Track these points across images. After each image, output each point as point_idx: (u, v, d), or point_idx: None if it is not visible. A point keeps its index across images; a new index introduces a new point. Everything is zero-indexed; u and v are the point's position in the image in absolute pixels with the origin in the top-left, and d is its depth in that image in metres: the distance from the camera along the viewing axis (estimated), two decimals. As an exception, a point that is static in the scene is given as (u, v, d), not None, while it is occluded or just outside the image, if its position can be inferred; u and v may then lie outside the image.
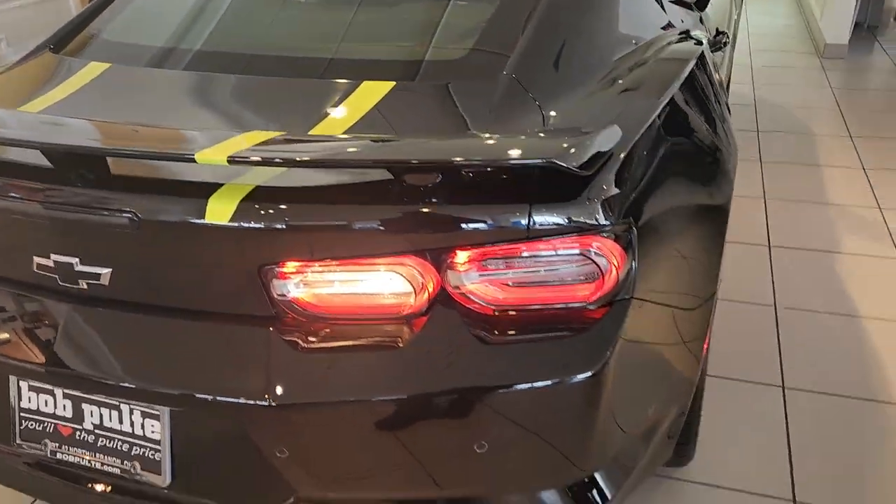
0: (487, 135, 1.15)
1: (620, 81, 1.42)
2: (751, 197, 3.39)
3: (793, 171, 3.63)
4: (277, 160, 1.02)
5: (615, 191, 1.12)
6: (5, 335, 1.24)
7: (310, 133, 1.20)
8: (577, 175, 1.07)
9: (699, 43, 1.82)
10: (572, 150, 1.07)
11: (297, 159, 1.03)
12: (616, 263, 1.11)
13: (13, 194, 1.17)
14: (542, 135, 1.17)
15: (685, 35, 1.87)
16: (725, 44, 2.31)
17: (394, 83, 1.32)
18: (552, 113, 1.25)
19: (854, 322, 2.48)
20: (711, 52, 2.06)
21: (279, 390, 1.09)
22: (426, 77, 1.35)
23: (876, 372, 2.24)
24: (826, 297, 2.62)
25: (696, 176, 1.43)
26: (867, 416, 2.07)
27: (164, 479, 1.21)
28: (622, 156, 1.17)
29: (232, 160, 1.00)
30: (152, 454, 1.21)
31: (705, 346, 1.50)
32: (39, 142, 1.10)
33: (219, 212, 1.05)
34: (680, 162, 1.37)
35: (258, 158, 1.01)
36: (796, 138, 4.03)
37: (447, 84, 1.31)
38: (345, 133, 1.19)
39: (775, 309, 2.57)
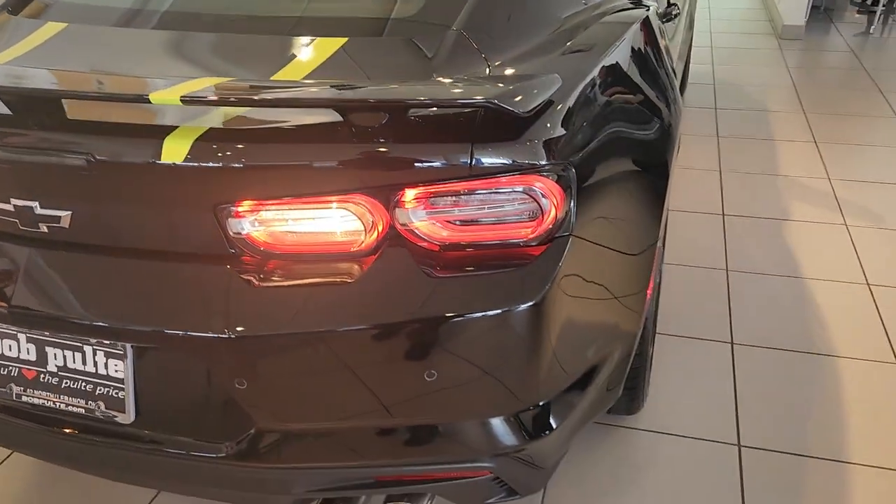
0: (433, 79, 1.21)
1: (566, 37, 1.48)
2: (707, 170, 3.49)
3: (748, 146, 3.74)
4: (229, 99, 1.07)
5: (555, 133, 1.18)
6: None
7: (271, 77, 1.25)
8: (518, 117, 1.14)
9: (647, 9, 1.89)
10: (513, 93, 1.14)
11: (249, 98, 1.08)
12: (556, 202, 1.17)
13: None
14: (484, 80, 1.23)
15: (635, 1, 1.94)
16: (676, 15, 2.38)
17: (346, 38, 1.38)
18: (497, 64, 1.31)
19: (800, 283, 2.59)
20: (662, 21, 2.14)
21: (237, 324, 1.14)
22: (377, 32, 1.41)
23: (818, 328, 2.35)
24: (775, 260, 2.73)
25: (637, 130, 1.50)
26: (809, 368, 2.18)
27: (128, 417, 1.26)
28: (563, 102, 1.23)
29: (185, 99, 1.05)
30: (116, 393, 1.25)
31: (648, 294, 1.57)
32: (4, 86, 1.14)
33: (174, 151, 1.10)
34: (620, 115, 1.44)
35: (210, 98, 1.05)
36: (752, 115, 4.14)
37: (398, 39, 1.37)
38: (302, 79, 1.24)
39: (727, 272, 2.67)
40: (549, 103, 1.20)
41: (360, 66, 1.30)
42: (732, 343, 2.30)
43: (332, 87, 1.12)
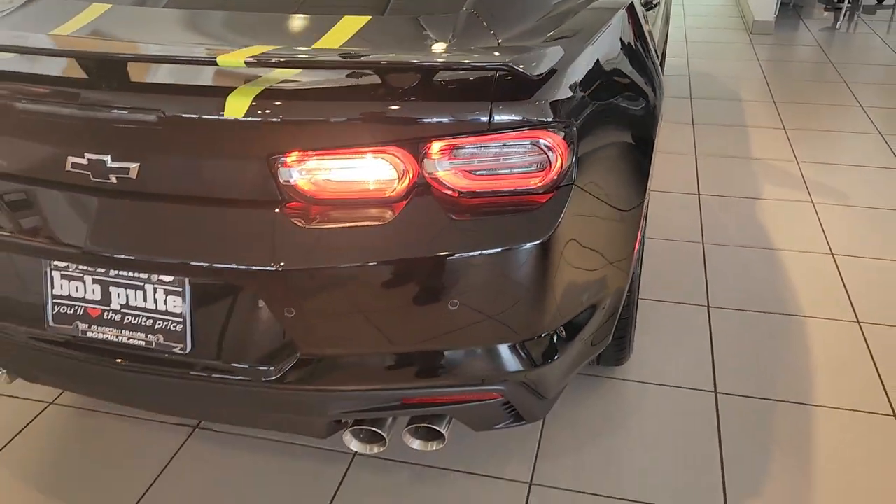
0: (457, 48, 1.39)
1: (559, 20, 1.67)
2: (684, 154, 3.71)
3: (722, 132, 3.97)
4: (286, 61, 1.24)
5: (561, 96, 1.37)
6: (40, 229, 1.43)
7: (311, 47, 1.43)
8: (530, 79, 1.33)
9: (631, -4, 2.09)
10: (526, 59, 1.33)
11: (301, 61, 1.25)
12: (561, 155, 1.36)
13: (52, 100, 1.36)
14: (498, 49, 1.41)
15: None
16: (656, 4, 2.59)
17: (370, 17, 1.56)
18: (504, 39, 1.50)
19: (770, 254, 2.81)
20: (645, 9, 2.34)
21: (284, 259, 1.31)
22: (397, 11, 1.59)
23: (787, 292, 2.57)
24: (747, 234, 2.95)
25: (627, 101, 1.69)
26: (778, 326, 2.40)
27: (185, 348, 1.42)
28: (566, 70, 1.43)
29: (248, 62, 1.22)
30: (175, 326, 1.42)
31: (635, 249, 1.77)
32: (85, 51, 1.30)
33: (235, 108, 1.27)
34: (612, 87, 1.63)
35: (272, 60, 1.22)
36: (725, 104, 4.38)
37: (417, 17, 1.55)
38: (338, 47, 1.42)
39: (703, 245, 2.89)
40: (554, 70, 1.39)
41: (386, 39, 1.48)
42: (709, 306, 2.51)
43: (370, 53, 1.30)
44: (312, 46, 1.43)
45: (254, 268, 1.32)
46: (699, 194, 3.29)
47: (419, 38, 1.47)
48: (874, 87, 4.63)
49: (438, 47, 1.43)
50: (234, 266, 1.33)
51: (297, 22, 1.55)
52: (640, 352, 2.29)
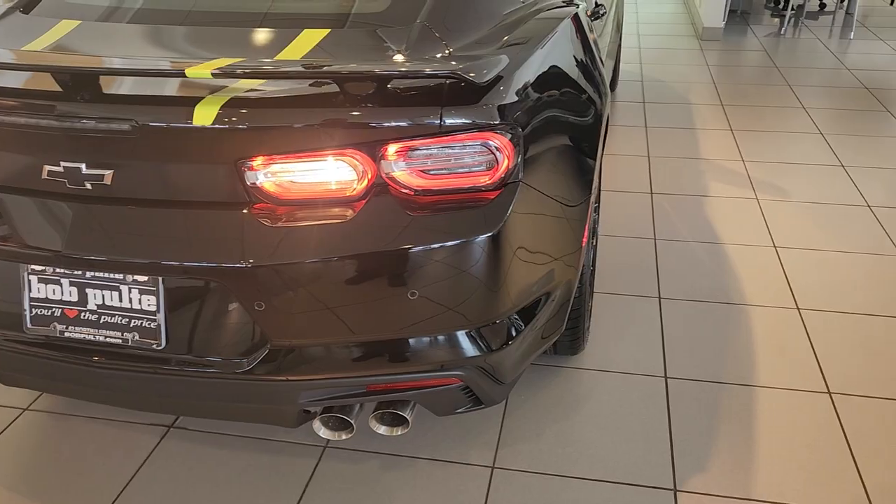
0: (410, 58, 1.51)
1: (508, 30, 1.80)
2: (636, 156, 3.87)
3: (673, 134, 4.14)
4: (251, 72, 1.34)
5: (507, 100, 1.49)
6: (18, 235, 1.50)
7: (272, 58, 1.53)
8: (477, 85, 1.44)
9: (577, 7, 2.23)
10: (472, 67, 1.45)
11: (265, 70, 1.35)
12: (507, 154, 1.48)
13: (28, 113, 1.44)
14: (448, 59, 1.53)
15: (566, 1, 2.28)
16: (603, 14, 2.74)
17: (329, 29, 1.66)
18: (454, 49, 1.62)
19: (717, 248, 2.97)
20: (591, 19, 2.48)
21: (253, 256, 1.41)
22: (355, 25, 1.69)
23: (732, 283, 2.72)
24: (696, 230, 3.11)
25: (571, 103, 1.82)
26: (724, 315, 2.54)
27: (160, 344, 1.51)
28: (512, 76, 1.54)
29: (215, 73, 1.32)
30: (149, 323, 1.50)
31: (584, 242, 1.90)
32: (59, 65, 1.38)
33: (203, 116, 1.37)
34: (556, 90, 1.76)
35: (237, 71, 1.32)
36: (677, 107, 4.56)
37: (373, 29, 1.66)
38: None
39: (655, 241, 3.03)
40: (500, 76, 1.51)
41: (344, 50, 1.58)
42: (660, 298, 2.65)
43: (329, 63, 1.40)
44: (275, 58, 1.53)
45: (224, 265, 1.41)
46: (652, 193, 3.45)
47: (375, 49, 1.58)
48: (816, 90, 4.85)
49: (393, 57, 1.54)
50: (205, 264, 1.42)
51: (260, 35, 1.65)
52: (596, 342, 2.42)
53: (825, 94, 4.76)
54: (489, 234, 1.45)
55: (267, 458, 1.99)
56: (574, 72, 1.92)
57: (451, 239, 1.43)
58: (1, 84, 1.51)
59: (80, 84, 1.44)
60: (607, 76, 3.61)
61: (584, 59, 2.05)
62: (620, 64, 5.32)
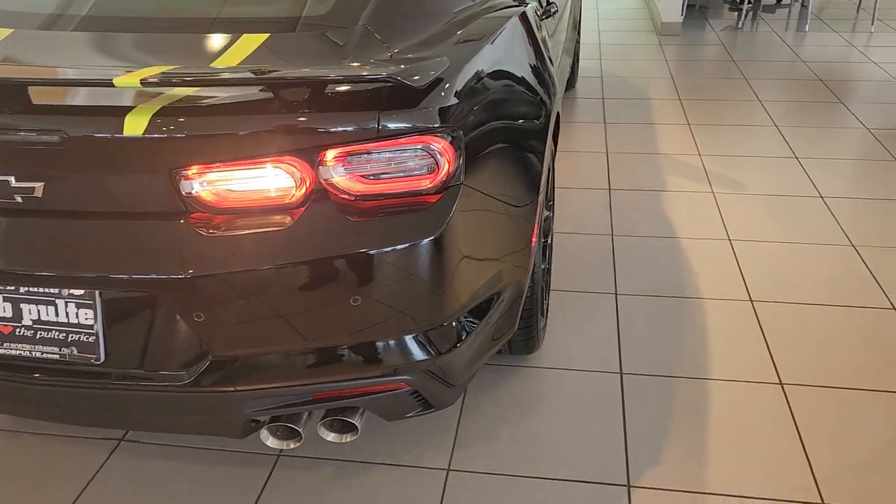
0: (346, 62, 1.49)
1: (455, 28, 1.79)
2: (595, 152, 3.89)
3: (631, 130, 4.17)
4: (181, 81, 1.32)
5: (447, 103, 1.48)
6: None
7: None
8: (415, 89, 1.43)
9: (525, 6, 2.23)
10: (410, 71, 1.43)
11: (196, 80, 1.33)
12: (448, 158, 1.47)
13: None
14: (388, 62, 1.51)
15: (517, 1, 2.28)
16: (554, 13, 2.74)
17: (268, 34, 1.64)
18: (397, 51, 1.60)
19: (674, 242, 2.99)
20: (541, 18, 2.48)
21: (191, 266, 1.38)
22: (296, 29, 1.67)
23: (688, 277, 2.75)
24: (653, 225, 3.13)
25: (516, 103, 1.82)
26: (679, 309, 2.56)
27: (99, 358, 1.48)
28: (452, 78, 1.53)
29: (144, 83, 1.29)
30: (87, 338, 1.47)
31: (532, 241, 1.90)
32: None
33: (134, 126, 1.34)
34: (501, 90, 1.75)
35: (165, 80, 1.30)
36: (635, 103, 4.59)
37: (313, 33, 1.64)
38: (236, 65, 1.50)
39: (612, 237, 3.05)
40: (440, 79, 1.50)
41: (283, 55, 1.56)
42: (616, 293, 2.67)
43: (264, 69, 1.38)
44: (211, 65, 1.51)
45: (162, 276, 1.39)
46: (609, 189, 3.46)
47: (315, 53, 1.56)
48: (772, 83, 4.92)
49: (331, 62, 1.52)
50: (142, 276, 1.39)
51: (197, 41, 1.62)
52: (551, 339, 2.43)
53: (781, 87, 4.82)
54: (431, 238, 1.44)
55: (220, 468, 1.97)
56: (520, 71, 1.91)
57: (394, 243, 1.42)
58: None
59: (8, 95, 1.41)
60: (565, 73, 3.63)
61: (531, 58, 2.05)
62: (580, 61, 5.35)
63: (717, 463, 1.94)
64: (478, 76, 1.66)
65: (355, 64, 1.49)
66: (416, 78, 1.42)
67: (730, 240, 3.00)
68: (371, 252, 1.42)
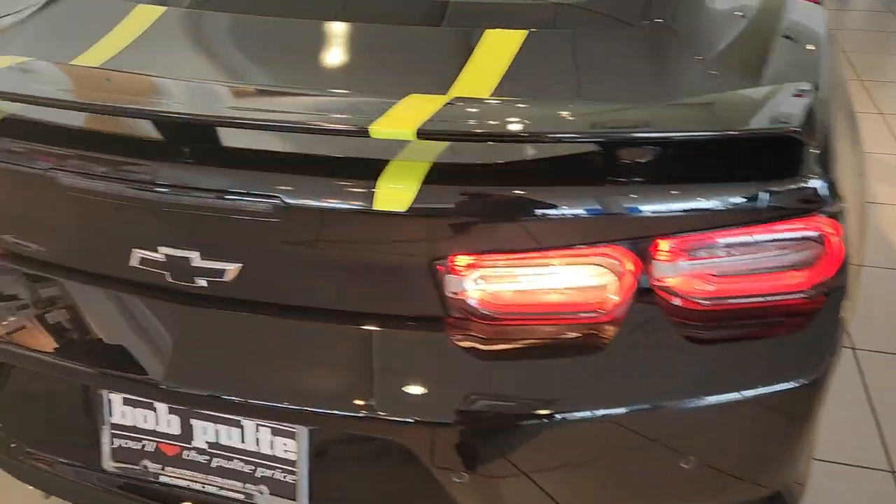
0: (701, 99, 0.97)
1: (748, 45, 1.22)
2: None
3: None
4: (481, 133, 0.82)
5: (829, 159, 0.96)
6: (89, 349, 1.03)
7: (449, 91, 1.00)
8: (797, 142, 0.91)
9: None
10: (794, 113, 0.91)
11: (501, 132, 0.83)
12: (836, 245, 0.95)
13: (104, 172, 0.94)
14: (751, 97, 0.98)
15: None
16: None
17: (527, 31, 1.12)
18: (705, 58, 1.07)
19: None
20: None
21: (454, 402, 0.91)
22: (560, 24, 1.16)
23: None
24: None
25: (858, 141, 1.27)
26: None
27: (299, 506, 1.03)
28: (826, 122, 1.01)
29: (422, 134, 0.79)
30: (285, 476, 1.03)
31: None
32: (150, 109, 0.87)
33: (393, 198, 0.85)
34: (844, 124, 1.21)
35: (454, 130, 0.80)
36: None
37: (586, 33, 1.12)
38: (493, 93, 1.00)
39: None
40: (825, 125, 0.98)
41: (562, 72, 1.05)
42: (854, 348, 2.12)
43: (580, 110, 0.88)
44: (455, 84, 1.00)
45: (407, 418, 0.92)
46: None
47: (607, 67, 1.05)
48: None
49: (654, 87, 1.01)
50: (371, 415, 0.92)
51: (427, 41, 1.12)
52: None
53: None
54: (814, 377, 0.94)
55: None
56: (847, 114, 1.33)
57: (763, 382, 0.93)
58: (57, 124, 1.00)
59: (189, 136, 0.93)
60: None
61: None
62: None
63: None
64: (829, 107, 1.11)
65: (709, 98, 0.97)
66: (793, 122, 0.90)
67: None
68: (726, 396, 0.92)
